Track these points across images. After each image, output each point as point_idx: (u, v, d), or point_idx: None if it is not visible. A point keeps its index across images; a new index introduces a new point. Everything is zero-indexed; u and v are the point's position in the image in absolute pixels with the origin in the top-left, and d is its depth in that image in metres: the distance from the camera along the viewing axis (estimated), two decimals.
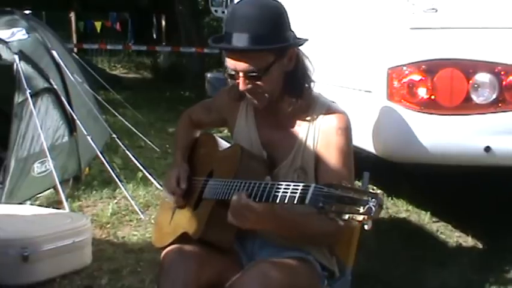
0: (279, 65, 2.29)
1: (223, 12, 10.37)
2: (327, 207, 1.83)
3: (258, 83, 2.28)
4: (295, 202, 1.96)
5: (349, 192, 1.81)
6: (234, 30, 2.24)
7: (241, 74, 2.26)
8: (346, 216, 1.79)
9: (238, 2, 2.35)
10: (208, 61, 15.08)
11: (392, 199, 5.32)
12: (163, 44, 18.46)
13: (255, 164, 2.38)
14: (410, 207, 5.22)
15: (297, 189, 1.97)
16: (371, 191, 1.80)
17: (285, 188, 2.02)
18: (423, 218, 4.99)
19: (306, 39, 2.36)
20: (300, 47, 2.38)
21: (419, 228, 4.84)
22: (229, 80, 2.41)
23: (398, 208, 5.21)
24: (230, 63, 2.28)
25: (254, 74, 2.25)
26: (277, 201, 2.03)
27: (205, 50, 13.63)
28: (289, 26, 2.33)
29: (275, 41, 2.24)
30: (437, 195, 5.33)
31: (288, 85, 2.34)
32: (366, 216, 1.76)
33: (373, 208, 1.75)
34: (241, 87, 2.29)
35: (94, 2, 17.76)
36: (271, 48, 2.24)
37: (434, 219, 4.96)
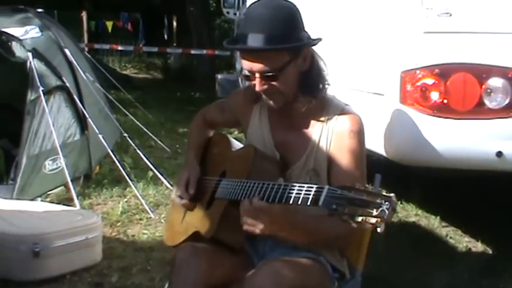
0: (294, 64, 2.30)
1: (235, 14, 10.39)
2: (340, 209, 1.84)
3: (274, 83, 2.29)
4: (308, 204, 1.98)
5: (363, 195, 1.82)
6: (249, 31, 2.26)
7: (257, 75, 2.28)
8: (359, 219, 1.80)
9: (252, 4, 2.37)
10: (218, 63, 15.10)
11: (402, 203, 5.32)
12: (174, 45, 18.46)
13: (268, 164, 2.39)
14: (419, 212, 5.22)
15: (311, 191, 1.99)
16: (384, 193, 1.80)
17: (298, 189, 2.03)
18: (433, 223, 4.99)
19: (320, 39, 2.37)
20: (314, 49, 2.39)
21: (428, 233, 4.84)
22: (244, 81, 2.42)
23: (408, 212, 5.21)
24: (246, 64, 2.30)
25: (270, 74, 2.27)
26: (291, 202, 2.04)
27: (216, 52, 13.64)
28: (303, 26, 2.35)
29: (290, 40, 2.26)
30: (447, 199, 5.32)
31: (302, 85, 2.35)
32: (379, 219, 1.77)
33: (387, 211, 1.76)
34: (258, 87, 2.30)
35: (106, 2, 17.81)
36: (286, 48, 2.26)
37: (443, 224, 4.97)
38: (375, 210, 1.78)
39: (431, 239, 4.73)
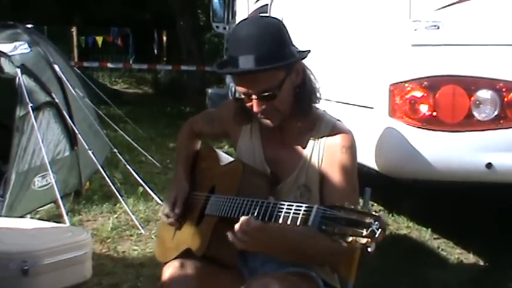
0: (289, 80, 2.28)
1: (224, 28, 10.42)
2: (330, 229, 1.83)
3: (273, 102, 2.27)
4: (298, 224, 1.96)
5: (352, 215, 1.80)
6: (239, 53, 2.23)
7: (254, 97, 2.26)
8: (350, 239, 1.78)
9: (237, 24, 2.36)
10: (209, 77, 15.12)
11: (393, 215, 5.31)
12: (164, 59, 18.50)
13: (257, 180, 2.38)
14: (411, 224, 5.21)
15: (300, 210, 1.97)
16: (373, 213, 1.79)
17: (287, 208, 2.01)
18: (424, 235, 4.99)
19: (309, 51, 2.36)
20: (304, 62, 2.39)
21: (420, 245, 4.84)
22: (238, 103, 2.40)
23: (399, 225, 5.21)
24: (241, 88, 2.28)
25: (268, 93, 2.25)
26: (280, 221, 2.02)
27: (207, 69, 13.67)
28: (291, 41, 2.34)
29: (281, 57, 2.24)
30: (438, 212, 5.32)
31: (298, 99, 2.33)
32: (369, 239, 1.76)
33: (377, 231, 1.74)
34: (256, 109, 2.27)
35: (96, 17, 17.82)
36: (279, 66, 2.23)
37: (435, 236, 4.96)
38: (364, 230, 1.76)
39: (423, 251, 4.72)
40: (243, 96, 2.30)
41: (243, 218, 2.09)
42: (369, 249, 1.77)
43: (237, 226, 2.09)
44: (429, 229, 5.04)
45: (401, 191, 4.45)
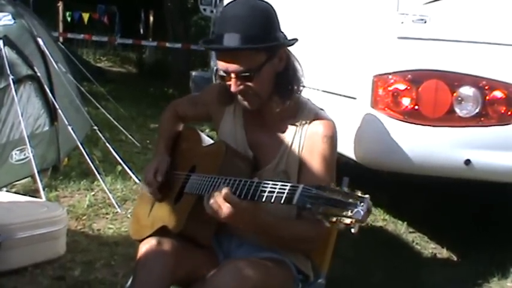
0: (270, 65, 2.29)
1: (211, 11, 10.35)
2: (314, 209, 1.83)
3: (250, 83, 2.27)
4: (282, 202, 1.96)
5: (338, 195, 1.80)
6: (224, 31, 2.24)
7: (233, 75, 2.26)
8: (334, 219, 1.78)
9: (227, 4, 2.36)
10: (194, 60, 15.05)
11: None
12: (150, 40, 18.39)
13: (239, 162, 2.37)
14: (387, 217, 5.23)
15: (284, 189, 1.97)
16: (360, 194, 1.79)
17: (271, 187, 2.01)
18: (399, 228, 5.01)
19: (296, 39, 2.36)
20: (289, 49, 2.38)
21: (395, 238, 4.86)
22: (219, 82, 2.40)
23: (376, 217, 5.22)
24: (221, 64, 2.27)
25: (246, 74, 2.25)
26: (263, 200, 2.02)
27: (192, 47, 13.59)
28: (279, 26, 2.33)
29: (266, 40, 2.25)
30: (415, 206, 5.35)
31: (278, 86, 2.33)
32: (353, 220, 1.76)
33: (362, 212, 1.75)
34: (233, 88, 2.28)
35: None
36: (262, 47, 2.24)
37: (410, 230, 4.98)
38: (349, 211, 1.76)
39: (398, 244, 4.74)
40: (223, 75, 2.30)
41: (219, 188, 2.09)
42: (352, 230, 1.77)
43: (216, 195, 2.09)
44: (405, 223, 5.06)
45: (379, 183, 4.45)
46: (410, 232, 4.96)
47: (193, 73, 11.15)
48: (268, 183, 2.04)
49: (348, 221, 1.77)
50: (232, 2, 2.35)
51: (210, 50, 9.79)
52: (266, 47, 2.26)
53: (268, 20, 2.29)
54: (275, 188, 2.00)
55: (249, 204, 2.08)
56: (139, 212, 2.74)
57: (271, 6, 2.33)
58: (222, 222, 2.13)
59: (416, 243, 4.75)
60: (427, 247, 4.69)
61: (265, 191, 2.03)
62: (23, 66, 5.52)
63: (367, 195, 1.79)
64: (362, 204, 1.76)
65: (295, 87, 2.38)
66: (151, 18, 19.72)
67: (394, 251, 4.54)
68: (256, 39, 2.22)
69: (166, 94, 12.94)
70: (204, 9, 10.61)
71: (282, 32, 2.35)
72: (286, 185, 1.98)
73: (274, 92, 2.34)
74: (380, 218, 5.21)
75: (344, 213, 1.77)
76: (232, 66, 2.25)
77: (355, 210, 1.76)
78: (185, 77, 12.10)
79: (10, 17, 5.68)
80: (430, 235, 4.84)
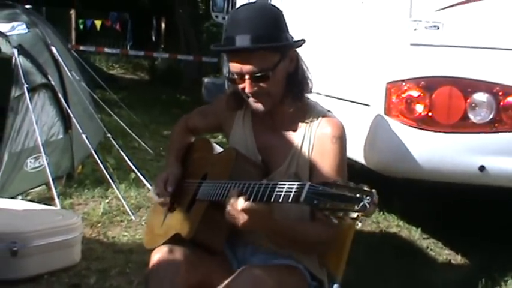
0: (283, 65, 2.32)
1: (223, 18, 10.38)
2: (321, 205, 1.84)
3: (264, 84, 2.29)
4: (290, 200, 1.97)
5: (344, 190, 1.82)
6: (236, 33, 2.27)
7: (247, 77, 2.28)
8: (340, 214, 1.80)
9: (236, 8, 2.38)
10: (206, 66, 15.09)
11: (383, 214, 5.32)
12: (162, 46, 18.45)
13: (249, 167, 2.39)
14: (401, 223, 5.22)
15: (292, 188, 1.98)
16: (365, 188, 1.80)
17: (279, 187, 2.03)
18: (414, 234, 5.00)
19: (304, 40, 2.39)
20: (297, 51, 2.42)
21: (409, 244, 4.85)
22: (231, 85, 2.41)
23: (389, 223, 5.22)
24: (235, 66, 2.29)
25: (261, 74, 2.27)
26: (272, 200, 2.03)
27: (204, 59, 13.63)
28: (287, 28, 2.36)
29: (278, 40, 2.28)
30: (429, 212, 5.33)
31: (289, 86, 2.36)
32: (360, 214, 1.77)
33: (367, 205, 1.76)
34: (248, 89, 2.30)
35: (95, 1, 17.77)
36: (275, 46, 2.27)
37: (424, 236, 4.97)
38: (356, 205, 1.78)
39: (412, 251, 4.73)
40: (235, 77, 2.31)
41: (236, 196, 2.10)
42: (359, 224, 1.79)
43: (230, 202, 2.10)
44: (419, 228, 5.05)
45: (393, 189, 4.45)
46: (424, 238, 4.95)
47: (206, 80, 11.17)
48: (276, 184, 2.05)
49: (354, 215, 1.79)
50: (241, 5, 2.38)
51: (222, 56, 9.87)
52: (278, 47, 2.29)
53: (276, 21, 2.33)
54: (283, 188, 2.01)
55: (261, 206, 2.08)
56: (153, 221, 2.76)
57: (278, 9, 2.37)
58: (240, 228, 2.14)
59: (431, 250, 4.73)
60: (442, 253, 4.67)
61: (273, 191, 2.04)
62: (37, 74, 5.56)
63: (373, 189, 1.80)
64: (368, 197, 1.77)
65: (305, 87, 2.40)
66: (163, 25, 19.79)
67: (408, 257, 4.53)
68: (267, 38, 2.25)
69: (179, 101, 12.97)
70: (216, 16, 10.65)
71: (290, 35, 2.37)
72: (294, 184, 1.99)
73: (286, 92, 2.37)
74: (394, 224, 5.20)
75: (350, 208, 1.79)
76: (247, 68, 2.27)
77: (361, 203, 1.77)
78: (197, 83, 12.13)
79: (24, 26, 5.73)
80: (445, 241, 4.83)
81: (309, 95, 2.45)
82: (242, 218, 2.08)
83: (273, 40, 2.26)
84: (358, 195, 1.79)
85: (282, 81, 2.34)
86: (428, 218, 5.20)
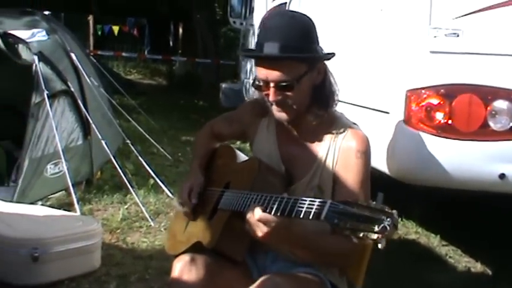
0: (309, 77, 2.31)
1: (241, 23, 10.41)
2: (341, 224, 1.84)
3: (289, 93, 2.29)
4: (310, 217, 1.97)
5: (365, 211, 1.82)
6: (265, 40, 2.27)
7: (272, 84, 2.27)
8: (361, 234, 1.80)
9: (268, 15, 2.38)
10: (223, 71, 15.13)
11: (402, 220, 5.30)
12: (180, 52, 18.51)
13: (272, 178, 2.39)
14: (420, 230, 5.20)
15: (313, 205, 1.98)
16: (386, 209, 1.80)
17: (300, 203, 2.02)
18: (432, 241, 4.98)
19: (334, 54, 2.38)
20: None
21: (428, 251, 4.83)
22: (256, 91, 2.42)
23: (408, 229, 5.20)
24: (261, 73, 2.29)
25: (286, 83, 2.26)
26: (293, 215, 2.03)
27: (221, 62, 13.66)
28: (318, 39, 2.36)
29: (306, 51, 2.27)
30: (448, 218, 5.31)
31: (315, 98, 2.36)
32: (380, 235, 1.77)
33: (388, 227, 1.76)
34: (272, 97, 2.29)
35: (112, 7, 17.89)
36: (303, 57, 2.27)
37: (443, 243, 4.95)
38: (376, 226, 1.78)
39: (431, 258, 4.71)
40: (261, 84, 2.32)
41: (256, 209, 2.10)
42: (379, 246, 1.79)
43: (249, 215, 2.11)
44: (438, 235, 5.03)
45: (411, 196, 4.44)
46: (443, 245, 4.93)
47: (223, 85, 11.22)
48: (298, 199, 2.05)
49: (374, 236, 1.78)
50: (274, 12, 2.38)
51: (239, 62, 9.90)
52: (306, 58, 2.28)
53: (307, 32, 2.32)
54: (304, 204, 2.01)
55: (283, 221, 2.08)
56: (175, 227, 2.77)
57: (311, 19, 2.35)
58: (260, 240, 2.14)
59: (450, 257, 4.71)
60: (461, 261, 4.65)
61: (294, 207, 2.04)
62: (57, 81, 5.59)
63: (394, 211, 1.80)
64: (388, 219, 1.77)
65: (331, 101, 2.39)
66: (180, 30, 19.85)
67: (427, 265, 4.51)
68: (296, 48, 2.25)
69: (197, 106, 13.01)
70: (234, 22, 10.68)
71: (320, 46, 2.37)
72: (315, 201, 1.99)
73: (311, 104, 2.36)
74: (412, 231, 5.19)
75: (371, 229, 1.79)
76: (272, 75, 2.26)
77: (382, 225, 1.77)
78: (215, 88, 12.18)
79: (44, 32, 5.76)
80: (464, 248, 4.81)
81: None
82: (262, 231, 2.09)
83: (301, 50, 2.25)
84: (378, 217, 1.79)
85: (307, 93, 2.33)
86: (447, 224, 5.18)
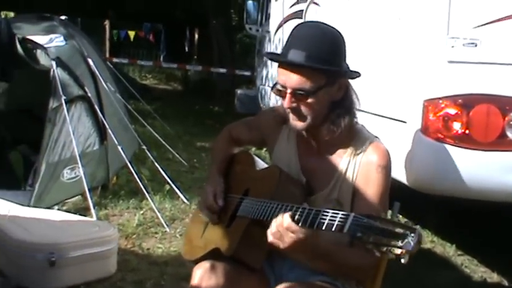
0: (327, 91, 2.29)
1: (257, 30, 10.42)
2: (364, 238, 1.84)
3: (304, 103, 2.28)
4: (333, 229, 1.97)
5: (388, 225, 1.81)
6: (291, 47, 2.28)
7: (289, 91, 2.28)
8: (384, 249, 1.79)
9: (300, 23, 2.39)
10: (238, 78, 15.15)
11: None
12: (195, 57, 18.55)
13: (292, 187, 2.39)
14: (435, 239, 5.18)
15: (336, 217, 1.98)
16: (410, 225, 1.80)
17: (323, 215, 2.02)
18: (448, 251, 4.96)
19: (359, 74, 2.38)
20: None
21: (443, 260, 4.81)
22: (275, 96, 2.42)
23: (423, 238, 5.17)
24: (281, 78, 2.30)
25: (302, 92, 2.26)
26: (315, 226, 2.03)
27: (237, 72, 13.67)
28: (345, 56, 2.35)
29: (329, 64, 2.26)
30: (464, 228, 5.29)
31: (331, 114, 2.34)
32: (403, 251, 1.76)
33: (412, 243, 1.75)
34: (286, 104, 2.30)
35: (129, 12, 17.99)
36: (323, 69, 2.26)
37: (459, 253, 4.93)
38: (400, 241, 1.77)
39: (446, 267, 4.69)
40: (280, 88, 2.32)
41: (278, 217, 2.10)
42: (402, 261, 1.78)
43: (277, 224, 2.10)
44: (454, 245, 5.01)
45: (427, 204, 4.42)
46: (459, 255, 4.90)
47: (239, 91, 11.22)
48: (320, 211, 2.05)
49: (398, 251, 1.78)
50: (306, 22, 2.39)
51: (258, 68, 9.90)
52: (326, 71, 2.27)
53: (335, 45, 2.32)
54: (327, 216, 2.01)
55: (308, 232, 2.08)
56: (191, 232, 2.78)
57: (341, 34, 2.35)
58: (282, 250, 2.14)
59: (466, 267, 4.69)
60: (477, 271, 4.63)
61: (317, 218, 2.04)
62: (75, 86, 5.63)
63: (417, 226, 1.80)
64: (412, 235, 1.77)
65: (348, 120, 2.36)
66: (196, 36, 19.91)
67: (442, 274, 4.49)
68: (319, 60, 2.24)
69: (212, 112, 13.03)
70: (250, 28, 10.68)
71: (347, 63, 2.36)
72: (338, 213, 1.98)
73: (326, 119, 2.35)
74: (428, 240, 5.16)
75: (394, 244, 1.78)
76: (290, 82, 2.27)
77: (406, 241, 1.77)
78: (230, 94, 12.18)
79: (62, 38, 5.80)
80: (480, 258, 4.78)
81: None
82: (288, 240, 2.08)
83: (323, 63, 2.25)
84: (402, 232, 1.78)
85: (323, 106, 2.32)
86: (463, 233, 5.16)
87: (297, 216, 2.09)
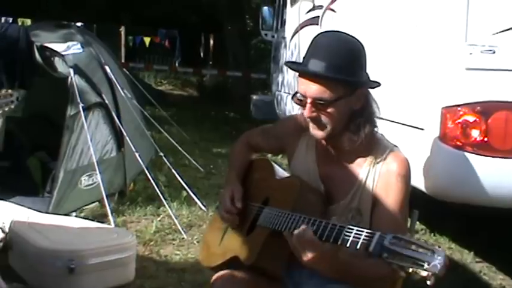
0: (346, 101, 2.31)
1: (272, 36, 10.42)
2: (389, 259, 1.84)
3: (324, 112, 2.30)
4: (357, 247, 1.97)
5: (414, 246, 1.81)
6: (311, 57, 2.30)
7: (309, 100, 2.29)
8: (410, 270, 1.79)
9: (321, 33, 2.40)
10: (254, 83, 15.16)
11: (434, 235, 5.27)
12: (210, 63, 18.59)
13: (312, 197, 2.40)
14: (453, 245, 5.15)
15: (360, 235, 1.98)
16: (436, 247, 1.80)
17: (347, 231, 2.03)
18: (466, 258, 4.93)
19: (379, 83, 2.38)
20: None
21: (461, 268, 4.78)
22: (293, 103, 2.43)
23: (441, 245, 5.14)
24: (301, 87, 2.32)
25: (322, 102, 2.28)
26: (339, 242, 2.04)
27: (252, 75, 13.67)
28: (366, 66, 2.36)
29: (349, 75, 2.27)
30: (482, 235, 5.25)
31: (351, 123, 2.35)
32: (430, 273, 1.76)
33: (439, 266, 1.75)
34: (307, 113, 2.31)
35: (144, 18, 18.06)
36: (342, 80, 2.27)
37: (477, 260, 4.90)
38: (426, 263, 1.77)
39: (464, 275, 4.65)
40: (300, 98, 2.33)
41: (299, 230, 2.11)
42: (428, 283, 1.78)
43: (299, 236, 2.11)
44: (472, 252, 4.98)
45: (445, 211, 4.40)
46: (477, 262, 4.88)
47: (254, 97, 11.24)
48: (344, 227, 2.05)
49: (424, 273, 1.77)
50: (328, 31, 2.40)
51: (274, 74, 9.91)
52: (345, 81, 2.28)
53: (355, 56, 2.33)
54: (351, 232, 2.01)
55: (330, 247, 2.09)
56: (209, 239, 2.79)
57: (362, 45, 2.36)
58: (303, 263, 2.14)
59: (484, 274, 4.66)
60: (496, 278, 4.60)
61: (340, 234, 2.04)
62: (92, 93, 5.66)
63: (442, 248, 1.80)
64: (439, 257, 1.77)
65: (368, 129, 2.37)
66: (211, 42, 19.96)
67: (460, 282, 4.46)
68: (340, 71, 2.25)
69: (228, 118, 13.03)
70: (266, 34, 10.68)
71: (367, 74, 2.37)
72: (362, 231, 1.99)
73: (346, 128, 2.36)
74: (445, 247, 5.13)
75: (420, 265, 1.78)
76: (310, 91, 2.28)
77: (432, 263, 1.76)
78: (246, 100, 12.19)
79: (79, 45, 5.84)
80: (499, 265, 4.75)
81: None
82: (309, 254, 2.09)
83: (343, 73, 2.26)
84: (429, 254, 1.78)
85: (342, 115, 2.33)
86: (481, 240, 5.12)
87: (320, 231, 2.09)
